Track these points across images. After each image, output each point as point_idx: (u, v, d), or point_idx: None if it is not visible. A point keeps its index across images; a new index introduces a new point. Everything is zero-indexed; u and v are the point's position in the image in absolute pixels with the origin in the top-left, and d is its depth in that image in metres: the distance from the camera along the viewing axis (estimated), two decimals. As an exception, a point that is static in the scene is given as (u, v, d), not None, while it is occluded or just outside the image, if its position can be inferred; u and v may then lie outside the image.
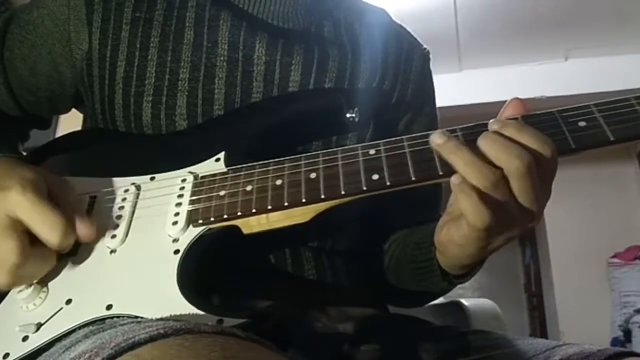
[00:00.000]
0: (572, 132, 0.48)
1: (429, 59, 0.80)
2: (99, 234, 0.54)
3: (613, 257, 3.87)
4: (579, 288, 3.92)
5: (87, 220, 0.52)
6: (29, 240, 0.48)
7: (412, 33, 0.81)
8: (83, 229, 0.51)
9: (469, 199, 0.45)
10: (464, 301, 1.05)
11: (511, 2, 2.97)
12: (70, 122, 0.86)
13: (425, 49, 0.80)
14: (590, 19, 3.11)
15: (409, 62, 0.76)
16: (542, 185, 0.47)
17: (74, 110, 0.77)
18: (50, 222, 0.48)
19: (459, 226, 0.49)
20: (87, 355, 0.35)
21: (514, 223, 0.48)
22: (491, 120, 0.48)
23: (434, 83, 0.81)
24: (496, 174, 0.44)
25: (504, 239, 0.49)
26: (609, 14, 3.06)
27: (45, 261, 0.50)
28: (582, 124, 0.48)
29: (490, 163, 0.45)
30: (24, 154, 0.71)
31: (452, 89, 3.41)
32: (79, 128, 0.75)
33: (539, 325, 4.94)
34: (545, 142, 0.46)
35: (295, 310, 0.59)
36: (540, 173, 0.46)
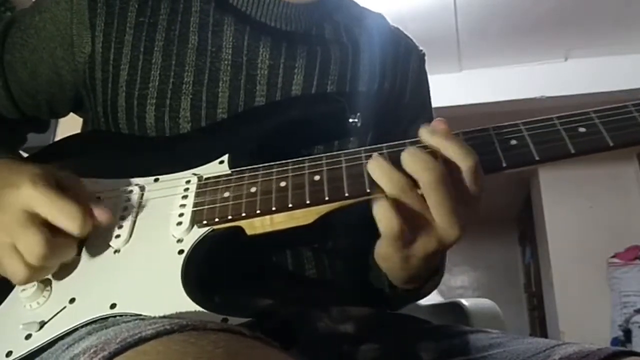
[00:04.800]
0: (571, 137, 0.49)
1: (424, 61, 0.81)
2: (103, 234, 0.54)
3: (613, 257, 3.87)
4: (579, 288, 3.91)
5: (102, 204, 0.52)
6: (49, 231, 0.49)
7: (411, 33, 0.82)
8: (100, 213, 0.51)
9: (380, 206, 0.48)
10: (464, 301, 1.05)
11: (511, 2, 2.97)
12: (69, 126, 0.87)
13: (421, 50, 0.81)
14: (590, 19, 3.11)
15: (407, 63, 0.77)
16: (463, 197, 0.49)
17: (72, 114, 0.77)
18: (68, 211, 0.48)
19: (380, 240, 0.51)
20: (92, 350, 0.35)
21: (432, 235, 0.49)
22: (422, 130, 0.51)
23: (429, 84, 0.82)
24: (403, 180, 0.47)
25: (424, 252, 0.51)
26: (609, 14, 3.06)
27: (67, 250, 0.51)
28: (582, 129, 0.49)
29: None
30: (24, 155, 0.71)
31: (452, 89, 3.41)
32: (77, 131, 0.75)
33: (539, 325, 4.94)
34: (467, 155, 0.48)
35: (298, 310, 0.60)
36: (461, 186, 0.48)
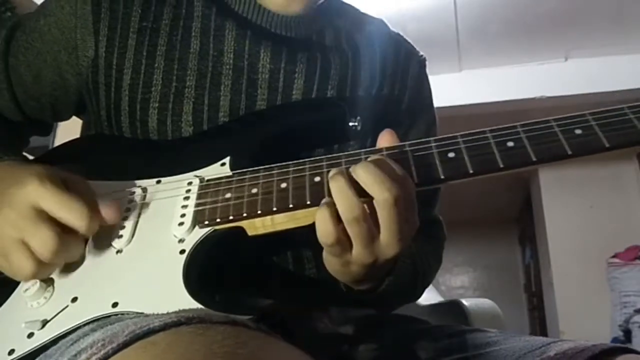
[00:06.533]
0: (568, 139, 0.49)
1: (425, 66, 0.82)
2: (106, 235, 0.55)
3: (613, 257, 3.86)
4: (579, 288, 3.91)
5: (110, 202, 0.53)
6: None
7: (412, 34, 0.83)
8: (107, 212, 0.52)
9: (322, 214, 0.47)
10: (464, 301, 1.06)
11: (511, 2, 2.97)
12: (69, 129, 0.87)
13: (421, 55, 0.82)
14: (590, 19, 3.11)
15: (406, 68, 0.78)
16: (407, 216, 0.49)
17: (73, 117, 0.78)
18: (75, 208, 0.49)
19: None
20: (100, 344, 0.36)
21: (373, 248, 0.49)
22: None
23: (431, 89, 0.82)
24: (360, 210, 0.47)
25: (362, 262, 0.50)
26: (609, 14, 3.06)
27: (75, 248, 0.52)
28: (578, 131, 0.50)
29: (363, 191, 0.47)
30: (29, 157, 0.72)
31: (452, 89, 3.41)
32: (77, 135, 0.76)
33: (539, 325, 4.94)
34: (404, 177, 0.48)
35: (298, 310, 0.60)
36: (405, 205, 0.48)
